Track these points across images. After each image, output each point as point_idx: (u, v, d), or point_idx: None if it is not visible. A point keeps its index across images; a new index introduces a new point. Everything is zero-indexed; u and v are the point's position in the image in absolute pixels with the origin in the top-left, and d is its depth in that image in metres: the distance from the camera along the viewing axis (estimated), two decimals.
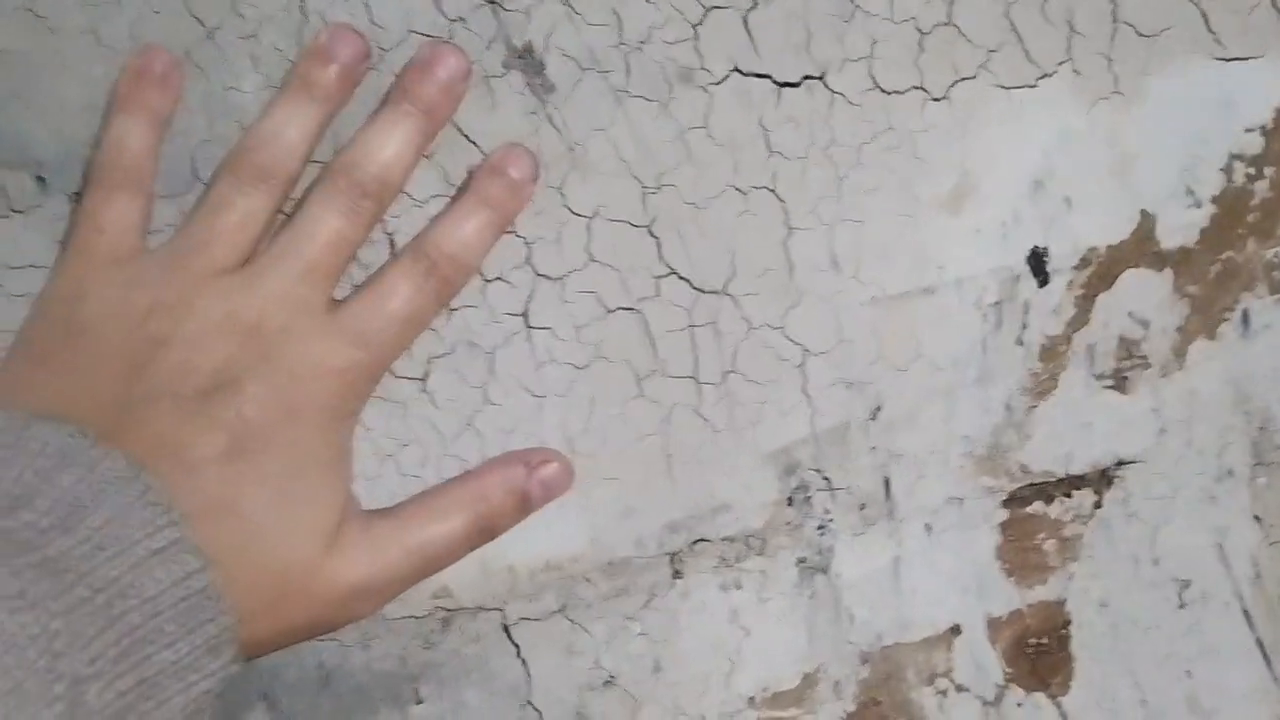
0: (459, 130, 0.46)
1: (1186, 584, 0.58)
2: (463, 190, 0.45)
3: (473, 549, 0.44)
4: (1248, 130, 0.56)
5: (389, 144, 0.42)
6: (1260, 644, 0.59)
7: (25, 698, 0.25)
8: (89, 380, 0.36)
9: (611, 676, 0.51)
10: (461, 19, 0.46)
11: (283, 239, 0.40)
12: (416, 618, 0.48)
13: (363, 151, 0.42)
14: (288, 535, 0.37)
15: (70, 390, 0.36)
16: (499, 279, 0.47)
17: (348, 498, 0.40)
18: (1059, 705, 0.56)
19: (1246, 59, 0.56)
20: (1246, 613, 0.59)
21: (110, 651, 0.29)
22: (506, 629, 0.48)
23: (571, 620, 0.49)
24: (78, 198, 0.41)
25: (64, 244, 0.41)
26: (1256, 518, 0.58)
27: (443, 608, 0.48)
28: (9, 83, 0.42)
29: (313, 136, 0.42)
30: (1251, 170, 0.56)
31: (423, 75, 0.43)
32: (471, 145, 0.46)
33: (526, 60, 0.47)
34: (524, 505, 0.45)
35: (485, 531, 0.44)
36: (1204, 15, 0.55)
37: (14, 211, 0.42)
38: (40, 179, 0.42)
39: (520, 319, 0.48)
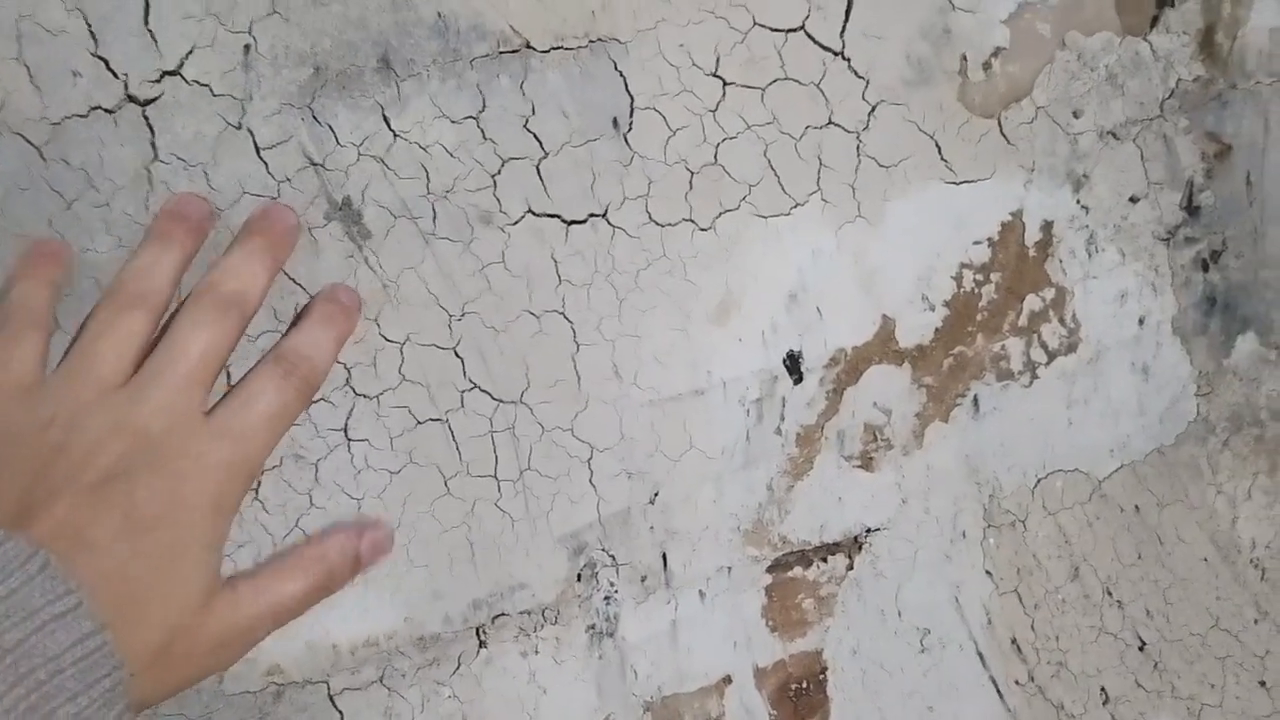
0: (287, 275, 0.62)
1: (927, 632, 0.78)
2: (304, 313, 0.60)
3: (316, 602, 0.59)
4: (976, 243, 0.77)
5: (244, 265, 0.57)
6: (994, 680, 0.80)
7: None
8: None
9: None
10: (288, 179, 0.62)
11: (160, 355, 0.52)
12: (251, 692, 0.64)
13: (221, 273, 0.56)
14: (171, 603, 0.49)
15: None
16: (322, 399, 0.64)
17: (219, 571, 0.54)
18: None
19: (975, 181, 0.76)
20: (980, 655, 0.80)
21: (20, 705, 0.37)
22: (332, 699, 0.66)
23: (389, 688, 0.67)
24: None
25: None
26: (988, 573, 0.79)
27: (275, 682, 0.65)
28: None
29: (178, 271, 0.56)
30: (980, 277, 0.77)
31: (265, 218, 0.59)
32: (298, 288, 0.63)
33: (345, 212, 0.63)
34: (356, 565, 0.61)
35: (325, 588, 0.59)
36: (937, 146, 0.75)
37: None
38: None
39: (341, 433, 0.65)
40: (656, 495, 0.71)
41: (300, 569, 0.59)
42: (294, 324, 0.61)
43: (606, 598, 0.71)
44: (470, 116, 0.65)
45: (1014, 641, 0.81)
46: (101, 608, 0.42)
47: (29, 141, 0.58)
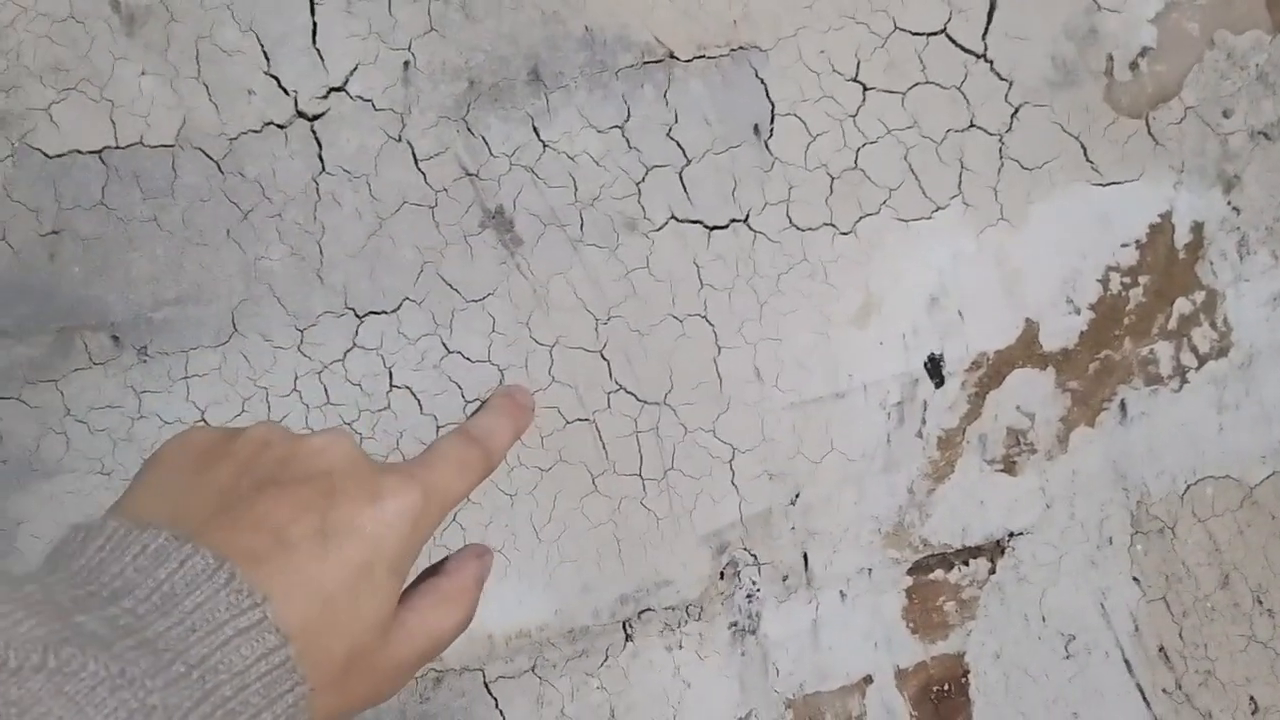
0: (443, 280, 0.68)
1: (1072, 638, 0.81)
2: (485, 405, 0.63)
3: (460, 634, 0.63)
4: (1123, 245, 0.79)
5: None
6: (1140, 688, 0.82)
7: None
8: (201, 486, 0.46)
9: None
10: (445, 189, 0.68)
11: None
12: (414, 678, 0.70)
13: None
14: (357, 619, 0.48)
15: (182, 498, 0.46)
16: (477, 399, 0.69)
17: (396, 601, 0.56)
18: None
19: (1123, 183, 0.78)
20: (1127, 661, 0.82)
21: None
22: (487, 686, 0.71)
23: (541, 678, 0.72)
24: (144, 352, 0.62)
25: None
26: (1135, 579, 0.81)
27: (434, 669, 0.71)
28: (90, 262, 0.64)
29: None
30: (1127, 280, 0.79)
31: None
32: (454, 292, 0.68)
33: (498, 220, 0.69)
34: (480, 590, 0.64)
35: (469, 621, 0.63)
36: (1083, 147, 0.77)
37: (95, 363, 0.65)
38: (115, 337, 0.65)
39: None
40: (798, 496, 0.75)
41: (454, 602, 0.58)
42: (476, 413, 0.64)
43: (749, 595, 0.75)
44: (615, 126, 0.70)
45: (1161, 649, 0.83)
46: (286, 620, 0.42)
47: (208, 156, 0.65)
